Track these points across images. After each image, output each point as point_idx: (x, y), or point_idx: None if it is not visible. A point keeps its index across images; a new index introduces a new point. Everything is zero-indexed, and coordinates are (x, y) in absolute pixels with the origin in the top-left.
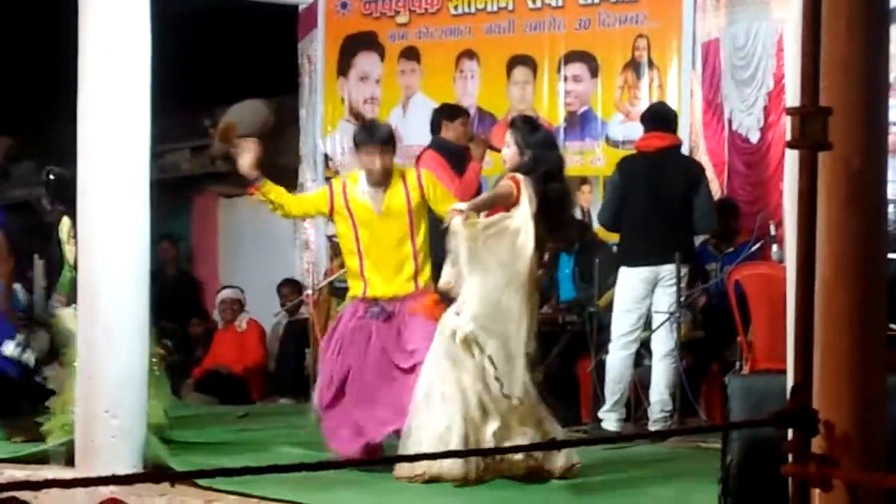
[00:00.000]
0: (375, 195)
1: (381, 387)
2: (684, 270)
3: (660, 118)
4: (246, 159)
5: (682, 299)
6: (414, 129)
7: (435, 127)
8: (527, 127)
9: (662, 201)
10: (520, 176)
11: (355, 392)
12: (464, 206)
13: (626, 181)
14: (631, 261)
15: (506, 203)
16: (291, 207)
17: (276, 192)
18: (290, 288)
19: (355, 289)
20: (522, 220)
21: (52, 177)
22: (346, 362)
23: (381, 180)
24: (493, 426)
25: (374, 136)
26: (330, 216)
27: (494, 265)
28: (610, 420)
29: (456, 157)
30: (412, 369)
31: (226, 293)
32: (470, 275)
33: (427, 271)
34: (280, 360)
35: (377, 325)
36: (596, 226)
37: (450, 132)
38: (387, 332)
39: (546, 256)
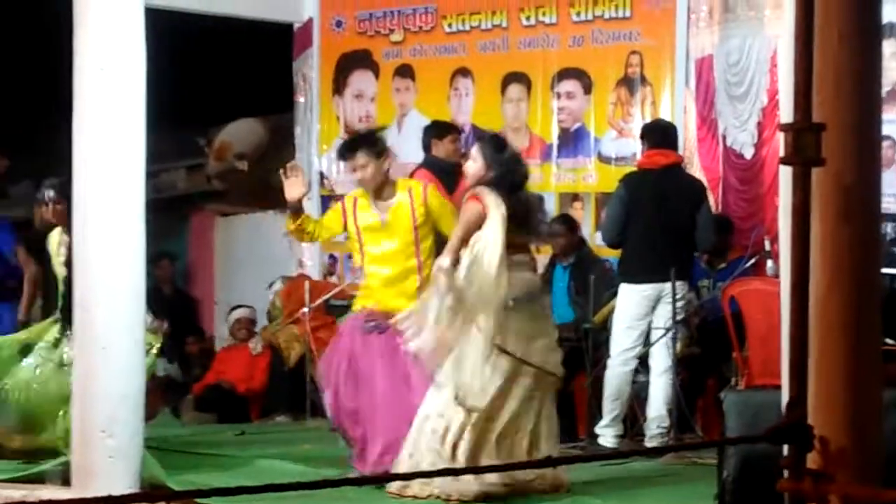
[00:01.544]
0: (381, 209)
1: (387, 403)
2: (685, 288)
3: (662, 135)
4: (296, 191)
5: (680, 316)
6: (409, 147)
7: (426, 145)
8: (495, 144)
9: (667, 219)
10: (479, 189)
11: (364, 410)
12: (447, 261)
13: (632, 197)
14: (634, 277)
15: (478, 226)
16: (321, 233)
17: (312, 223)
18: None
19: (364, 301)
20: (492, 230)
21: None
22: (353, 379)
23: (380, 192)
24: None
25: (348, 148)
26: (344, 231)
27: (474, 295)
28: (607, 436)
29: (447, 175)
30: (411, 383)
31: (241, 312)
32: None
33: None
34: (276, 378)
35: (376, 340)
36: (599, 243)
37: (440, 150)
38: (386, 345)
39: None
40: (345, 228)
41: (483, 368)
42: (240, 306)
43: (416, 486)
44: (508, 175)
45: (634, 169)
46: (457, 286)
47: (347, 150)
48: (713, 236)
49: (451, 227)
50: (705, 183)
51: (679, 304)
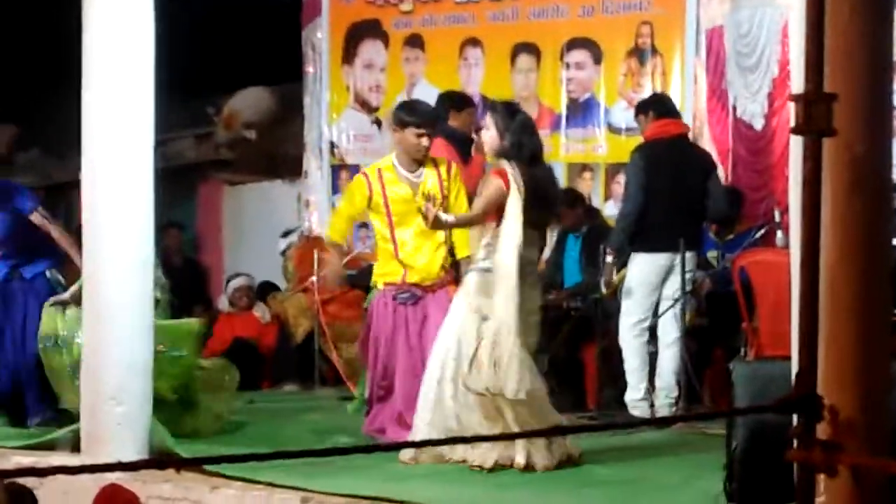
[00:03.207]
0: (411, 180)
1: (407, 373)
2: (695, 258)
3: (667, 106)
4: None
5: (689, 287)
6: None
7: (442, 115)
8: (506, 111)
9: (682, 188)
10: (505, 165)
11: (399, 385)
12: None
13: (651, 168)
14: (649, 247)
15: (500, 203)
16: (344, 224)
17: (343, 227)
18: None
19: (391, 275)
20: (512, 212)
21: None
22: (390, 355)
23: (420, 163)
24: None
25: (424, 116)
26: (368, 207)
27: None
28: (642, 407)
29: (463, 147)
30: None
31: (239, 281)
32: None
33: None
34: (285, 346)
35: (408, 312)
36: (608, 213)
37: (457, 122)
38: (414, 317)
39: (550, 239)
40: (368, 203)
41: (513, 357)
42: (238, 275)
43: (428, 455)
44: (525, 143)
45: (642, 140)
46: (478, 281)
47: (431, 122)
48: (725, 206)
49: (460, 210)
50: (714, 154)
51: (689, 275)
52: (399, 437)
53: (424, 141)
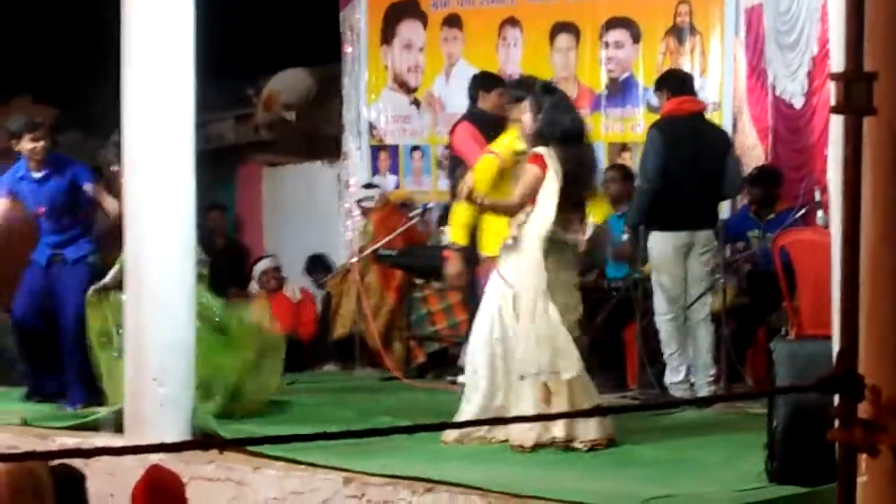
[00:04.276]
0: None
1: None
2: (713, 237)
3: (684, 83)
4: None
5: (709, 266)
6: (457, 97)
7: (472, 96)
8: (542, 91)
9: (700, 166)
10: (542, 150)
11: None
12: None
13: (667, 145)
14: (665, 226)
15: (537, 189)
16: (470, 221)
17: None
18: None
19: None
20: (546, 194)
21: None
22: None
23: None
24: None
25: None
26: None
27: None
28: (681, 389)
29: (492, 128)
30: None
31: (267, 263)
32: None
33: None
34: (325, 326)
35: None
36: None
37: (487, 102)
38: None
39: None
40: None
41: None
42: (263, 257)
43: (472, 436)
44: (557, 122)
45: (659, 116)
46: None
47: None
48: (741, 184)
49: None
50: (750, 131)
51: (708, 254)
52: None
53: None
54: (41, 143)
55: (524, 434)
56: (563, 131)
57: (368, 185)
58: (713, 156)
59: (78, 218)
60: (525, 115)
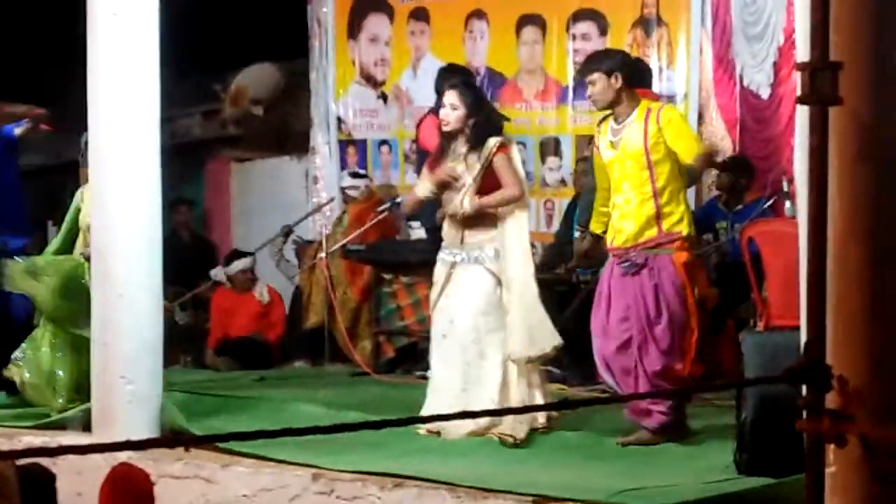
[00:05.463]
0: (616, 133)
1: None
2: None
3: (642, 75)
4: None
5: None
6: (425, 91)
7: (439, 89)
8: (472, 87)
9: None
10: (505, 138)
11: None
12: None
13: None
14: None
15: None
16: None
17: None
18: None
19: (610, 236)
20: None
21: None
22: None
23: (617, 114)
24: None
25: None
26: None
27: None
28: None
29: None
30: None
31: (245, 263)
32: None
33: (675, 216)
34: (294, 323)
35: (630, 283)
36: None
37: None
38: (634, 289)
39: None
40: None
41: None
42: (240, 254)
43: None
44: (492, 118)
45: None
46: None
47: (589, 71)
48: (698, 177)
49: (683, 147)
50: (718, 122)
51: None
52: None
53: (588, 89)
54: None
55: (514, 426)
56: (499, 129)
57: (355, 175)
58: None
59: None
60: (453, 111)
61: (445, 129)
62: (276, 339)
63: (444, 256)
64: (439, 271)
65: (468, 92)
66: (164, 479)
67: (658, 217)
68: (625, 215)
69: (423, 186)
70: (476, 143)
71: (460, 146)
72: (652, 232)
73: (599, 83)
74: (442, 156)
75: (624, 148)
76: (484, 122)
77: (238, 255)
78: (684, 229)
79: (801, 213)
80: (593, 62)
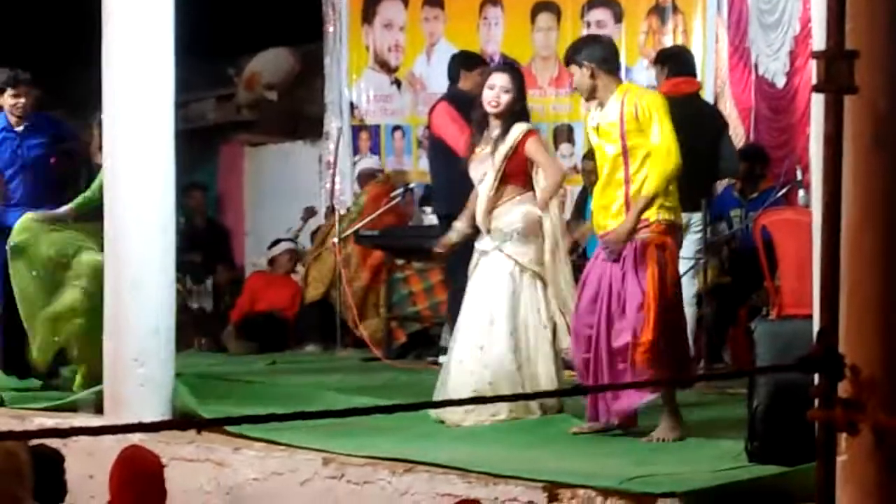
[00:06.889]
0: (597, 119)
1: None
2: (706, 217)
3: (684, 63)
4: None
5: (699, 246)
6: (438, 77)
7: (453, 76)
8: (520, 75)
9: (693, 148)
10: (531, 126)
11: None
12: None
13: None
14: None
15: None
16: None
17: None
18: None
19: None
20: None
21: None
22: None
23: (600, 101)
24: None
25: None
26: None
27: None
28: None
29: (470, 108)
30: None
31: (287, 245)
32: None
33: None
34: (306, 307)
35: (607, 269)
36: None
37: (468, 82)
38: (602, 274)
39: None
40: None
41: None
42: (282, 240)
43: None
44: (526, 106)
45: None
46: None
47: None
48: (737, 164)
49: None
50: (731, 110)
51: (699, 235)
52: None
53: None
54: (22, 100)
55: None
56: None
57: (277, 242)
58: (708, 137)
59: (46, 188)
60: (507, 95)
61: (495, 110)
62: (292, 317)
63: (476, 245)
64: (472, 261)
65: (518, 76)
66: (175, 462)
67: (627, 204)
68: (598, 200)
69: (459, 228)
70: (510, 128)
71: (493, 130)
72: (621, 219)
73: (576, 74)
74: (478, 139)
75: (601, 132)
76: (524, 108)
77: (278, 243)
78: (652, 215)
79: (816, 201)
80: (568, 53)
